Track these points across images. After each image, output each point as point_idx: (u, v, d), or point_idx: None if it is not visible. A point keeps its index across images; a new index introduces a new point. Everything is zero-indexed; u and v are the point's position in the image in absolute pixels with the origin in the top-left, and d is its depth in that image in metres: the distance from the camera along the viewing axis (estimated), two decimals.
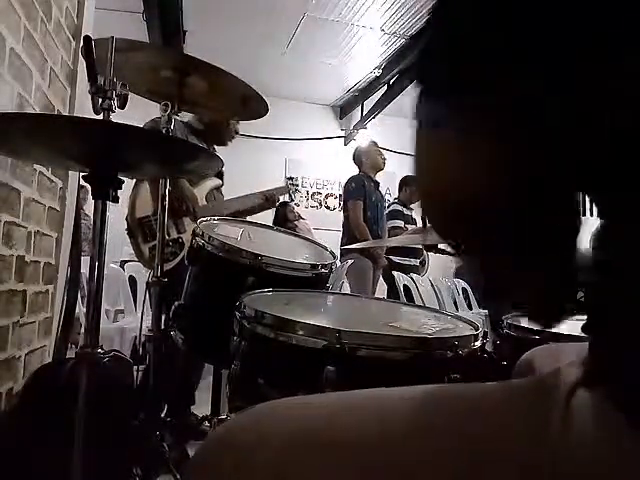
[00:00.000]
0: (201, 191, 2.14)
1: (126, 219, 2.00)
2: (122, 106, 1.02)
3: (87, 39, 1.01)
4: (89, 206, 2.99)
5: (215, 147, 2.29)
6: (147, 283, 1.39)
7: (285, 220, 4.73)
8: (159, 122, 2.01)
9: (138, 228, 2.00)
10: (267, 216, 4.60)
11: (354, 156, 3.73)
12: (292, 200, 2.74)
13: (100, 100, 1.00)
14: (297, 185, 2.74)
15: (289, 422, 0.39)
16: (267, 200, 2.35)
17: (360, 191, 3.49)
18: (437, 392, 0.40)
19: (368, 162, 3.61)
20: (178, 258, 1.95)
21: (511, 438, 0.32)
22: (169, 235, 1.94)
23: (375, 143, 3.78)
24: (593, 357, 0.34)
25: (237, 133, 2.32)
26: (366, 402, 0.40)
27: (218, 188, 2.25)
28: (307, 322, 0.77)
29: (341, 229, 3.62)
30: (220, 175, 2.24)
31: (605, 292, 0.33)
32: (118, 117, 1.00)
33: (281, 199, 2.55)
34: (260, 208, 2.41)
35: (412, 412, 0.37)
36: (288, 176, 2.78)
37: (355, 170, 3.67)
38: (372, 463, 0.34)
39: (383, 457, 0.34)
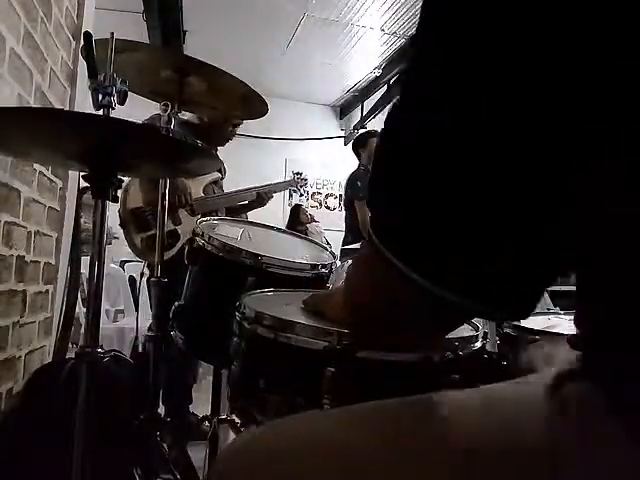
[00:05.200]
0: (199, 184, 2.14)
1: (118, 212, 2.01)
2: (122, 102, 1.02)
3: (87, 35, 1.01)
4: (86, 210, 2.98)
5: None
6: (141, 274, 1.38)
7: (297, 223, 4.75)
8: (156, 118, 2.02)
9: (131, 218, 2.01)
10: (276, 217, 4.61)
11: (353, 145, 3.74)
12: (301, 195, 2.79)
13: (100, 96, 0.99)
14: (306, 180, 2.79)
15: (296, 438, 0.40)
16: (257, 199, 2.35)
17: (366, 190, 3.47)
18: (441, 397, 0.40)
19: (366, 152, 3.61)
20: (174, 249, 1.96)
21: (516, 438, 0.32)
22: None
23: (375, 132, 3.76)
24: (584, 354, 0.34)
25: (234, 135, 2.33)
26: (368, 414, 0.40)
27: (217, 182, 2.26)
28: (307, 323, 0.77)
29: (341, 229, 3.60)
30: (220, 169, 2.24)
31: (590, 288, 0.33)
32: (118, 116, 1.00)
33: (275, 195, 2.54)
34: (250, 206, 2.40)
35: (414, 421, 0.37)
36: (295, 171, 2.80)
37: (354, 164, 3.67)
38: (376, 475, 0.34)
39: (386, 468, 0.34)
